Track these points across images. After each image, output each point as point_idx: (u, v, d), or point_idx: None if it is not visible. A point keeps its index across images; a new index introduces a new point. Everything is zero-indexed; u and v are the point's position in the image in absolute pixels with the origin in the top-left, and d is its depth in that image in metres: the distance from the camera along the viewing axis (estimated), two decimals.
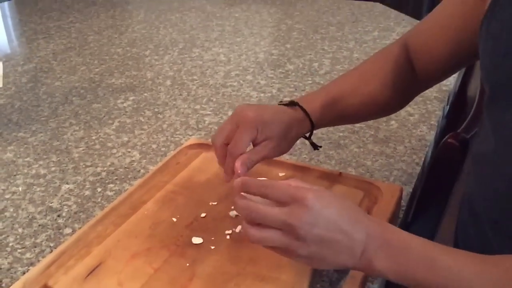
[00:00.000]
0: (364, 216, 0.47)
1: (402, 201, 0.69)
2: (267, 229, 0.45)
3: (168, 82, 1.14)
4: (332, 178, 0.69)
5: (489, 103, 0.61)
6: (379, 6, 1.59)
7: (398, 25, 1.41)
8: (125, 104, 1.04)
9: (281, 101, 0.67)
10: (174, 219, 0.62)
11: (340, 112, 0.69)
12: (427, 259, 0.44)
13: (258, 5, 1.69)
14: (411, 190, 0.76)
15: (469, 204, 0.64)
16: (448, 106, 1.00)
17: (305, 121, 0.65)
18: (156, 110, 1.01)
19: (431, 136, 0.90)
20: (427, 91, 0.85)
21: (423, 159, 0.83)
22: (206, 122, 0.96)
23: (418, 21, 1.43)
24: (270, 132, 0.61)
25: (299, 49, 1.29)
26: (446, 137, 0.66)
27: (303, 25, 1.46)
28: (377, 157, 0.84)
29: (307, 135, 0.68)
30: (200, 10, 1.64)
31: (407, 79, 0.72)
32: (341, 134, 0.90)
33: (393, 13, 1.52)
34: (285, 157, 0.72)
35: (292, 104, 0.66)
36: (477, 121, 0.70)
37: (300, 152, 0.84)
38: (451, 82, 1.08)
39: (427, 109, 0.97)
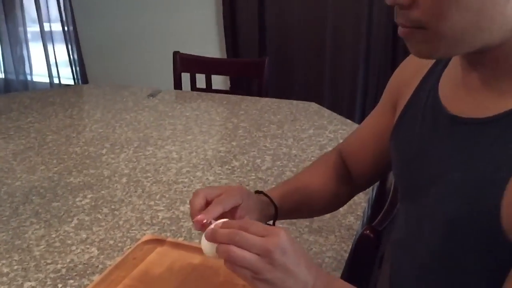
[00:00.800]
0: (314, 264, 0.60)
1: None
2: (246, 251, 0.55)
3: (124, 180, 1.24)
4: None
5: (401, 199, 0.76)
6: (314, 106, 1.79)
7: (331, 124, 1.60)
8: (83, 202, 1.13)
9: None
10: None
11: (298, 200, 0.84)
12: None
13: (207, 104, 1.86)
14: (339, 275, 0.87)
15: (392, 286, 0.77)
16: (373, 198, 1.15)
17: (270, 205, 0.78)
18: (112, 207, 1.10)
19: (357, 226, 1.03)
20: None
21: (350, 246, 0.96)
22: (160, 217, 1.06)
23: (349, 120, 1.62)
24: (252, 206, 0.73)
25: (243, 147, 1.44)
26: (363, 229, 0.79)
27: (247, 124, 1.62)
28: (311, 245, 0.96)
29: (271, 222, 0.80)
30: (153, 110, 1.78)
31: (344, 182, 0.88)
32: (280, 225, 1.02)
33: (327, 112, 1.73)
34: None
35: (256, 192, 0.79)
36: (389, 215, 0.85)
37: None
38: None
39: (354, 201, 1.12)
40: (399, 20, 0.57)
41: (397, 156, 0.75)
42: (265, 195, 0.80)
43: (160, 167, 1.31)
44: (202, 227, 0.65)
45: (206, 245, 0.61)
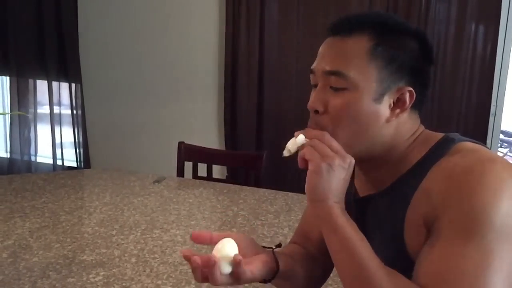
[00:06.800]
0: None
1: None
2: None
3: (133, 260, 1.34)
4: None
5: None
6: None
7: None
8: (96, 279, 1.22)
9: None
10: None
11: (292, 265, 0.91)
12: (359, 232, 0.74)
13: (208, 192, 2.00)
14: None
15: None
16: None
17: (273, 257, 0.86)
18: (124, 284, 1.20)
19: None
20: None
21: None
22: None
23: None
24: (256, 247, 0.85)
25: (243, 233, 1.56)
26: None
27: (246, 212, 1.76)
28: None
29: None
30: (159, 195, 1.92)
31: (312, 266, 0.97)
32: None
33: None
34: None
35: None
36: None
37: None
38: None
39: None
40: (311, 125, 0.82)
41: None
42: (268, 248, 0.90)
43: (166, 249, 1.42)
44: (198, 238, 0.81)
45: (293, 140, 0.78)
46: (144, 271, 1.28)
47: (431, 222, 0.74)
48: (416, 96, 0.80)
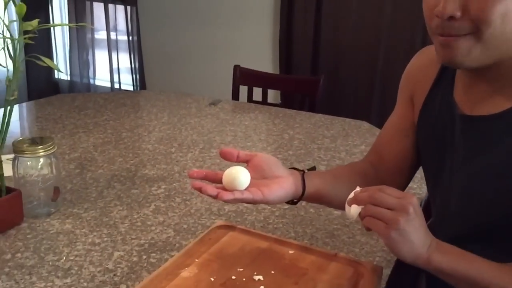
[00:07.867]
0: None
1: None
2: (382, 208, 0.68)
3: None
4: (329, 257, 0.90)
5: (428, 186, 0.94)
6: (366, 124, 1.89)
7: None
8: (158, 191, 1.27)
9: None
10: (212, 279, 0.82)
11: (327, 183, 0.91)
12: (466, 256, 0.70)
13: (264, 115, 1.99)
14: (389, 273, 0.97)
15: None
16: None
17: (299, 176, 0.87)
18: (184, 198, 1.24)
19: None
20: None
21: None
22: (226, 209, 1.18)
23: None
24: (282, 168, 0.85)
25: (299, 156, 1.55)
26: None
27: (302, 136, 1.74)
28: (363, 246, 1.06)
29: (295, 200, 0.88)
30: (215, 117, 1.93)
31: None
32: (335, 226, 1.12)
33: (377, 130, 1.82)
34: (292, 240, 0.93)
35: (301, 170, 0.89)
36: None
37: (302, 237, 1.06)
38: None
39: None
40: (446, 31, 0.70)
41: (423, 148, 0.92)
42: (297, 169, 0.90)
43: (224, 167, 1.44)
44: (225, 154, 0.88)
45: (349, 210, 0.73)
46: None
47: None
48: None
